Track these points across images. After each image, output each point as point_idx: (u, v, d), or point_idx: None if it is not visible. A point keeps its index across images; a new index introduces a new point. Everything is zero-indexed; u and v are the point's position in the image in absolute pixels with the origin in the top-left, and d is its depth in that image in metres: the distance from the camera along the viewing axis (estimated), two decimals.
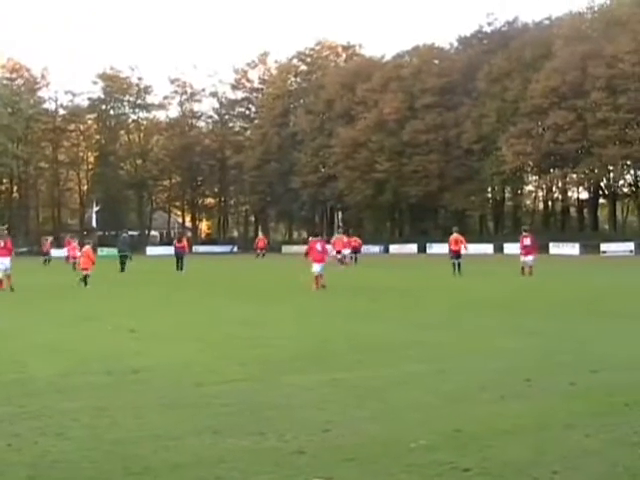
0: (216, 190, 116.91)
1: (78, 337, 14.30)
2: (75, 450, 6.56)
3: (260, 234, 76.36)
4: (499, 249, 73.45)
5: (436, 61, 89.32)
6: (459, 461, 6.03)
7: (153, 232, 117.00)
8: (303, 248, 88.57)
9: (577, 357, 11.10)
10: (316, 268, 26.43)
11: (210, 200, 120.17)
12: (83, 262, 30.09)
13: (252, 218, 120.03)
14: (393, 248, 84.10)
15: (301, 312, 18.69)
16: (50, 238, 66.47)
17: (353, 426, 7.22)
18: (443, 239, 78.75)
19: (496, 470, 5.87)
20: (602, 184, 79.67)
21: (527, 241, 34.81)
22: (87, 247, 30.95)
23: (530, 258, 33.93)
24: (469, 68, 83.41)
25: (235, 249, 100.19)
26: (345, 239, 50.80)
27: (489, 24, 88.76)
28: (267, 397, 8.55)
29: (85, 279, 28.80)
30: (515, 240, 74.70)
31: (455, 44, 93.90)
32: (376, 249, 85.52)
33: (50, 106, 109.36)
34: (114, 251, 77.24)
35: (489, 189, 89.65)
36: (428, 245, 79.93)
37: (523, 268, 33.73)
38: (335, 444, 6.64)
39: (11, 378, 10.05)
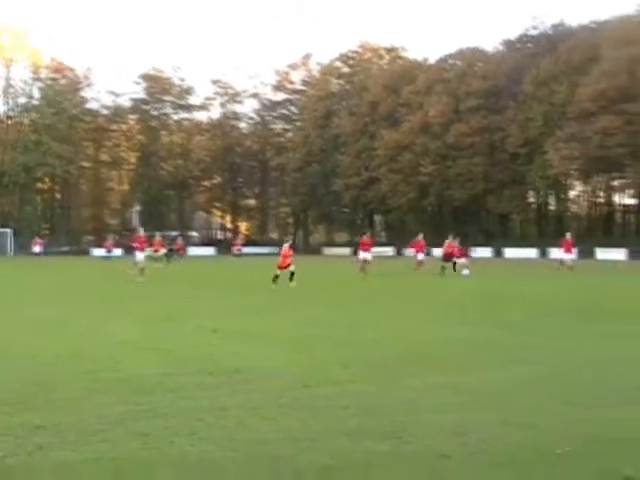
0: (257, 191, 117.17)
1: (162, 336, 14.20)
2: (216, 451, 6.47)
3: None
4: (542, 254, 72.95)
5: (481, 64, 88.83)
6: (619, 469, 5.86)
7: (193, 233, 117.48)
8: (345, 250, 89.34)
9: None
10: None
11: (251, 201, 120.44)
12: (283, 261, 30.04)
13: (290, 220, 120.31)
14: (437, 252, 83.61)
15: (374, 315, 18.46)
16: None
17: (488, 430, 7.06)
18: (487, 243, 78.98)
19: None
20: None
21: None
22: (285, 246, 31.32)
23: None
24: (515, 71, 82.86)
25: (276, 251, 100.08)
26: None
27: (534, 27, 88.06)
28: (386, 400, 8.41)
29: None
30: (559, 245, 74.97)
31: (500, 47, 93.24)
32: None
33: (93, 106, 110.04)
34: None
35: (533, 193, 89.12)
36: (473, 249, 79.53)
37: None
38: (479, 449, 6.49)
39: (114, 376, 9.96)
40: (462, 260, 39.81)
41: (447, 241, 40.40)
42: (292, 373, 10.15)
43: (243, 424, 7.36)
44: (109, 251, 69.84)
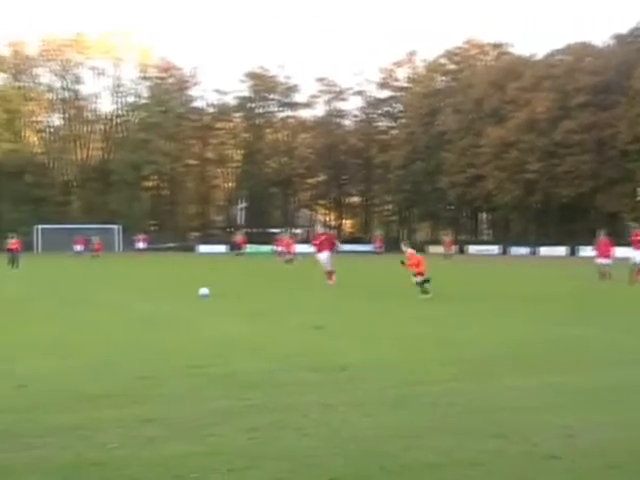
0: (361, 189, 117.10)
1: (265, 333, 14.39)
2: (322, 446, 6.52)
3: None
4: None
5: (590, 59, 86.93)
6: None
7: (297, 230, 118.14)
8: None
9: None
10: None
11: (354, 199, 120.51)
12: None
13: (395, 217, 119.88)
14: (543, 250, 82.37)
15: (473, 314, 18.33)
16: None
17: (598, 431, 6.95)
18: (594, 242, 77.30)
19: None
20: None
21: None
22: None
23: None
24: (625, 66, 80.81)
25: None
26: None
27: None
28: (489, 399, 8.39)
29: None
30: None
31: (610, 42, 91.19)
32: (522, 251, 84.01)
33: (199, 104, 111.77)
34: (261, 248, 79.45)
35: None
36: (578, 248, 77.93)
37: None
38: (589, 450, 6.39)
39: (219, 372, 10.18)
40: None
41: None
42: (396, 371, 10.19)
43: (348, 421, 7.41)
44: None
